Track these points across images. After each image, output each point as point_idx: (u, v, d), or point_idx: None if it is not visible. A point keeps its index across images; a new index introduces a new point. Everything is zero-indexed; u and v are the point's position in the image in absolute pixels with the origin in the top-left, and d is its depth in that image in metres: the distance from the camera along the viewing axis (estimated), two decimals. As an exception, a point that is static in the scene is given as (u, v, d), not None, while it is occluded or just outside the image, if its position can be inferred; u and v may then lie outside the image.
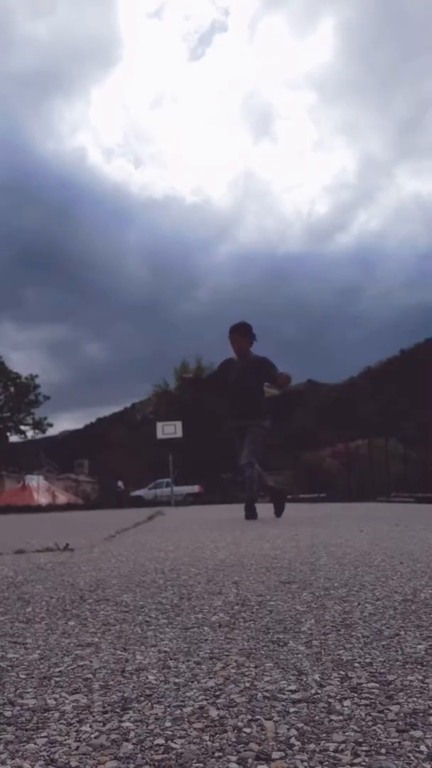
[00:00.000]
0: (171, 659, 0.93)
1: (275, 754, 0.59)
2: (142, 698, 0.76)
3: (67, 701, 0.76)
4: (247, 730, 0.65)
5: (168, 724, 0.67)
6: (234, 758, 0.58)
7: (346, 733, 0.63)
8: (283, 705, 0.72)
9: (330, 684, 0.79)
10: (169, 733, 0.65)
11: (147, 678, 0.84)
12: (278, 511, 5.81)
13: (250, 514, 5.53)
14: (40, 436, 41.89)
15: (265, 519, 5.43)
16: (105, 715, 0.71)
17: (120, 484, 30.31)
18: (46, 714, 0.72)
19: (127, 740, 0.63)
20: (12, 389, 37.86)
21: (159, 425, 22.46)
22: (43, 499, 29.85)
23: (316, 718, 0.68)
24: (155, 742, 0.62)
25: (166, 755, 0.59)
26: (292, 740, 0.62)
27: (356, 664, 0.88)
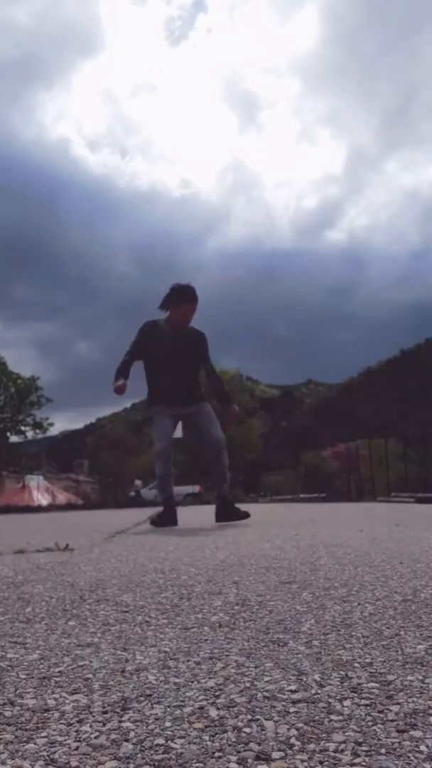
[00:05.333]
0: (171, 659, 0.93)
1: (275, 754, 0.59)
2: (142, 698, 0.76)
3: (67, 701, 0.76)
4: (247, 730, 0.65)
5: (168, 724, 0.67)
6: (234, 758, 0.58)
7: (346, 733, 0.63)
8: (283, 705, 0.72)
9: (330, 684, 0.79)
10: (169, 733, 0.65)
11: (147, 678, 0.84)
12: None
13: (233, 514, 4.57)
14: (40, 436, 41.86)
15: (265, 519, 5.42)
16: (105, 715, 0.71)
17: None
18: (46, 714, 0.72)
19: (127, 740, 0.63)
20: (12, 389, 37.83)
21: (159, 425, 22.40)
22: (43, 499, 29.82)
23: (316, 718, 0.68)
24: (155, 742, 0.62)
25: (166, 755, 0.59)
26: (292, 740, 0.62)
27: (356, 664, 0.88)
